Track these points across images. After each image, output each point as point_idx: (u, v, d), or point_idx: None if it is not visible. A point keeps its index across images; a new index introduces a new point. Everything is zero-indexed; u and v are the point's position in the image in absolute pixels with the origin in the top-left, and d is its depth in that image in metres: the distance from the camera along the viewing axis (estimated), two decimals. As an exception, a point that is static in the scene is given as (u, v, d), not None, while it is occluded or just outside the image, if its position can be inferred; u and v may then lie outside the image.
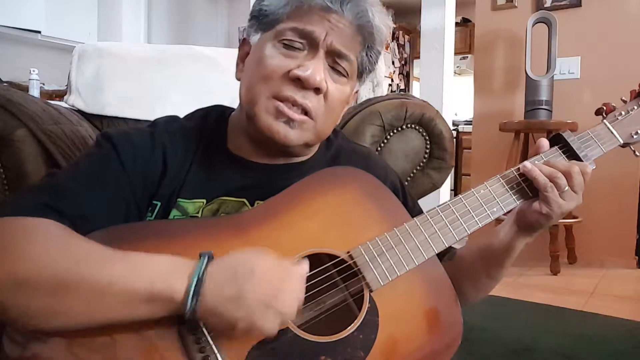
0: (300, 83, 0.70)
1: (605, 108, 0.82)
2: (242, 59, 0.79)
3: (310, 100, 0.71)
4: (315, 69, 0.70)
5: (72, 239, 0.60)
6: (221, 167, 0.76)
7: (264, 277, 0.58)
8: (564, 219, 2.71)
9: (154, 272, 0.57)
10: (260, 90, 0.71)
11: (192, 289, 0.56)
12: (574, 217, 2.75)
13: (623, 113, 0.81)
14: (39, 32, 3.07)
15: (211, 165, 0.76)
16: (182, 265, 0.58)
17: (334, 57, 0.72)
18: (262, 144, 0.76)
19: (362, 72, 0.78)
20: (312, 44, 0.71)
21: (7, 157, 0.94)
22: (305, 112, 0.71)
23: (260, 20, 0.74)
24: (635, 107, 0.82)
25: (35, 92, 2.68)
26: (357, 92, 0.84)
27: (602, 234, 2.88)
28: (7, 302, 0.55)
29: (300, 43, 0.71)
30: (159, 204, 0.72)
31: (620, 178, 2.75)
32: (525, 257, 3.22)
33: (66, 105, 1.24)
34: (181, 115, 0.82)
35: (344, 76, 0.74)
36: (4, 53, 3.02)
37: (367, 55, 0.75)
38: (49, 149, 0.96)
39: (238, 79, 0.78)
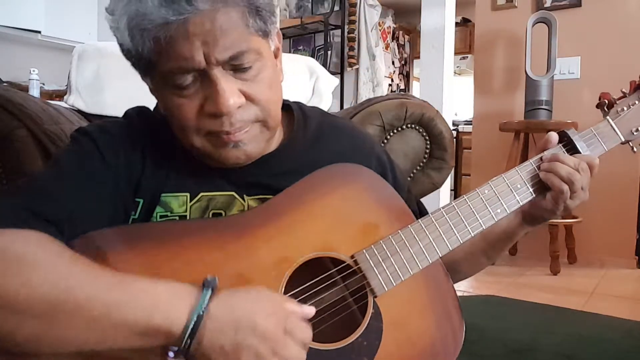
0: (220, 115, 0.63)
1: (606, 102, 0.81)
2: (159, 103, 0.72)
3: (240, 118, 0.65)
4: (222, 95, 0.62)
5: (63, 259, 0.55)
6: (200, 162, 0.72)
7: (264, 337, 0.55)
8: (564, 218, 2.71)
9: (152, 304, 0.54)
10: (191, 135, 0.66)
11: (190, 328, 0.53)
12: (574, 217, 2.75)
13: (625, 108, 0.80)
14: (39, 32, 3.06)
15: (188, 158, 0.71)
16: (182, 297, 0.55)
17: (229, 62, 0.62)
18: None
19: (265, 32, 0.66)
20: (200, 72, 0.62)
21: (7, 157, 0.94)
22: (244, 126, 0.66)
23: (136, 64, 0.66)
24: (637, 102, 0.81)
25: (35, 92, 2.68)
26: (278, 32, 0.72)
27: (602, 234, 2.88)
28: None
29: (191, 77, 0.62)
30: (142, 201, 0.69)
31: (620, 178, 2.74)
32: (525, 257, 3.19)
33: (66, 105, 1.23)
34: None
35: (254, 64, 0.65)
36: (4, 53, 3.02)
37: (256, 16, 0.64)
38: (49, 149, 0.96)
39: (164, 112, 0.70)
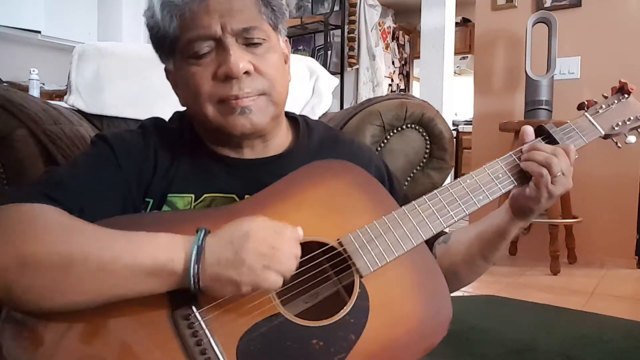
0: (230, 77, 0.71)
1: (587, 103, 0.86)
2: (176, 87, 0.81)
3: (248, 86, 0.73)
4: (233, 58, 0.71)
5: (75, 221, 0.63)
6: (207, 164, 0.78)
7: (258, 237, 0.61)
8: (563, 219, 2.71)
9: (155, 247, 0.60)
10: (204, 103, 0.73)
11: (193, 257, 0.59)
12: (574, 217, 2.75)
13: (604, 107, 0.85)
14: (39, 32, 3.07)
15: (196, 162, 0.78)
16: (181, 240, 0.61)
17: (242, 35, 0.72)
18: (239, 140, 0.78)
19: (276, 23, 0.77)
20: (216, 40, 0.72)
21: (7, 157, 0.94)
22: (251, 93, 0.73)
23: (162, 47, 0.77)
24: (616, 102, 0.85)
25: (35, 92, 2.68)
26: (286, 40, 0.83)
27: (602, 234, 2.87)
28: (12, 283, 0.57)
29: (207, 47, 0.72)
30: (152, 201, 0.75)
31: (620, 178, 2.74)
32: (525, 257, 3.18)
33: (66, 105, 1.24)
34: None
35: (263, 43, 0.74)
36: (4, 53, 3.02)
37: (268, 7, 0.75)
38: (49, 149, 0.96)
39: (184, 106, 0.80)
